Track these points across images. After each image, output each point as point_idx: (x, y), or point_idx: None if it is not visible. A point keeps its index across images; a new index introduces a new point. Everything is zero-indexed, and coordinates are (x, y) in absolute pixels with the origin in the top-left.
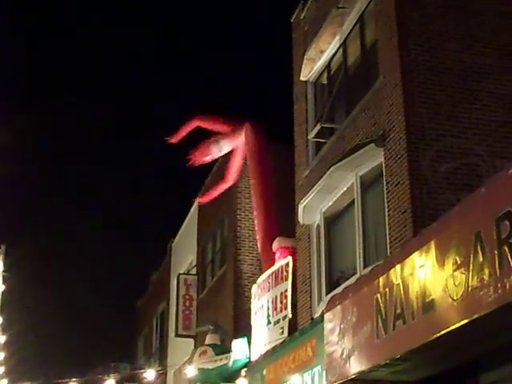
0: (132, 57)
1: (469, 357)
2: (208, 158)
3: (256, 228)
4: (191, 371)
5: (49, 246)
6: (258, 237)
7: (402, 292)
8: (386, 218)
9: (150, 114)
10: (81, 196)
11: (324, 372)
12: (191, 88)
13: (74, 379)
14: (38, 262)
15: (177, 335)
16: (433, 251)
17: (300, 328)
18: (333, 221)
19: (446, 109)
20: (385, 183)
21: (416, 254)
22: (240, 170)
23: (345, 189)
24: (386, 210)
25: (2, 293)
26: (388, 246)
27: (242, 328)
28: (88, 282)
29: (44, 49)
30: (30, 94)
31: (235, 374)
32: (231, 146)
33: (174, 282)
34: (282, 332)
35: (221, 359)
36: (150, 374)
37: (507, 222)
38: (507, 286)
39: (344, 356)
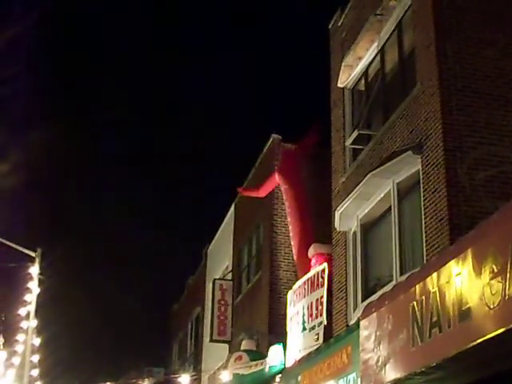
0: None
1: (505, 367)
2: (253, 194)
3: (291, 234)
4: (226, 376)
5: (85, 249)
6: (292, 243)
7: (438, 300)
8: (423, 225)
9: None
10: (119, 198)
11: (359, 379)
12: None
13: (108, 383)
14: (74, 265)
15: (211, 340)
16: (469, 259)
17: (335, 335)
18: (369, 228)
19: (484, 116)
20: (422, 190)
21: (452, 262)
22: (273, 188)
23: (381, 196)
24: (423, 217)
25: (38, 296)
26: (425, 254)
27: (278, 334)
28: (124, 285)
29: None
30: (57, 93)
31: (270, 380)
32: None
33: (209, 287)
34: (317, 339)
35: (256, 365)
36: (184, 378)
37: None
38: None
39: (379, 363)
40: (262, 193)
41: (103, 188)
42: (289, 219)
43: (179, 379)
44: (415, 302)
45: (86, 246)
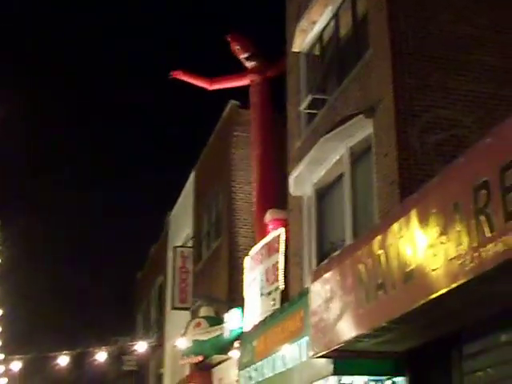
0: None
1: (452, 327)
2: (190, 81)
3: (253, 200)
4: (182, 343)
5: (45, 221)
6: (253, 209)
7: (383, 262)
8: (375, 189)
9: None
10: (79, 171)
11: (310, 343)
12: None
13: (65, 352)
14: (34, 237)
15: (173, 308)
16: (413, 222)
17: (291, 299)
18: (323, 192)
19: (436, 80)
20: (374, 154)
21: (397, 225)
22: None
23: (335, 160)
24: (375, 181)
25: None
26: (376, 218)
27: (237, 300)
28: (86, 255)
29: None
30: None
31: (229, 345)
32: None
33: (170, 255)
34: (274, 303)
35: (215, 330)
36: (141, 346)
37: (484, 192)
38: (483, 256)
39: (328, 327)
40: (212, 86)
41: (61, 160)
42: (253, 185)
43: (136, 347)
44: (361, 265)
45: (46, 218)
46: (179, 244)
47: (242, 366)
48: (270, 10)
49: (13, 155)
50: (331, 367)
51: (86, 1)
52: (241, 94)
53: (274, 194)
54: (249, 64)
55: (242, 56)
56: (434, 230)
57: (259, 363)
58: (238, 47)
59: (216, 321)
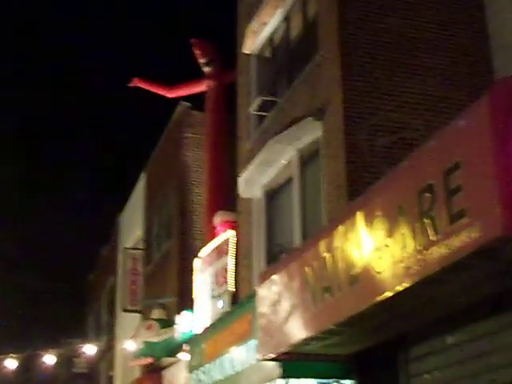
0: None
1: (398, 330)
2: (150, 89)
3: (204, 203)
4: (131, 345)
5: None
6: (204, 211)
7: (329, 265)
8: (324, 191)
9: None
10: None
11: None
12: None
13: (12, 355)
14: None
15: (124, 310)
16: (358, 224)
17: (240, 302)
18: (273, 194)
19: (384, 83)
20: (322, 157)
21: (342, 227)
22: (184, 96)
23: (284, 162)
24: (324, 183)
25: None
26: (325, 220)
27: (188, 302)
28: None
29: None
30: None
31: (179, 347)
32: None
33: (121, 257)
34: (224, 306)
35: (166, 333)
36: (91, 348)
37: (428, 195)
38: (428, 259)
39: (276, 329)
40: (171, 94)
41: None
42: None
43: (84, 349)
44: (308, 267)
45: None
46: (130, 246)
47: (191, 368)
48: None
49: None
50: (279, 370)
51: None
52: (193, 95)
53: (225, 197)
54: (206, 69)
55: (201, 61)
56: (379, 233)
57: (208, 366)
58: (199, 52)
59: (167, 323)
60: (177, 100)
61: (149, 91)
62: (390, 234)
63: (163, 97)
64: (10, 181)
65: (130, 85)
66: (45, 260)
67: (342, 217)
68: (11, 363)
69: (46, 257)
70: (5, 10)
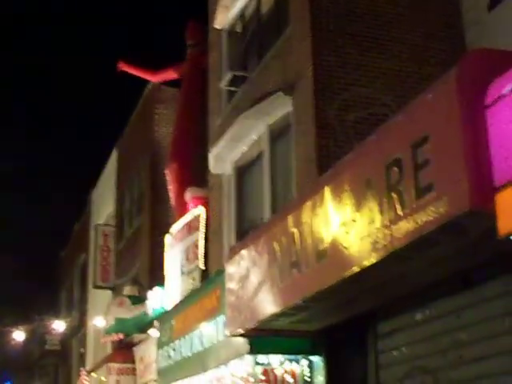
0: None
1: (366, 306)
2: (136, 74)
3: (169, 177)
4: (102, 322)
5: None
6: (170, 186)
7: (297, 240)
8: (294, 167)
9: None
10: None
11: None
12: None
13: None
14: None
15: (95, 287)
16: (326, 199)
17: (209, 278)
18: (243, 170)
19: (355, 58)
20: (293, 132)
21: (310, 202)
22: (163, 81)
23: (254, 138)
24: (294, 159)
25: None
26: (295, 196)
27: (159, 279)
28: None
29: None
30: None
31: (150, 323)
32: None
33: (92, 234)
34: (194, 282)
35: (137, 309)
36: (62, 325)
37: (396, 169)
38: (395, 234)
39: (244, 305)
40: (156, 78)
41: None
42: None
43: (53, 325)
44: (276, 243)
45: None
46: (101, 222)
47: (160, 344)
48: None
49: None
50: (247, 346)
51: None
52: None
53: (193, 172)
54: (188, 51)
55: (187, 43)
56: (346, 208)
57: (177, 342)
58: (188, 34)
59: (139, 299)
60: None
61: (134, 75)
62: (358, 208)
63: (148, 81)
64: None
65: (117, 69)
66: (16, 236)
67: (310, 192)
68: None
69: (18, 233)
70: None
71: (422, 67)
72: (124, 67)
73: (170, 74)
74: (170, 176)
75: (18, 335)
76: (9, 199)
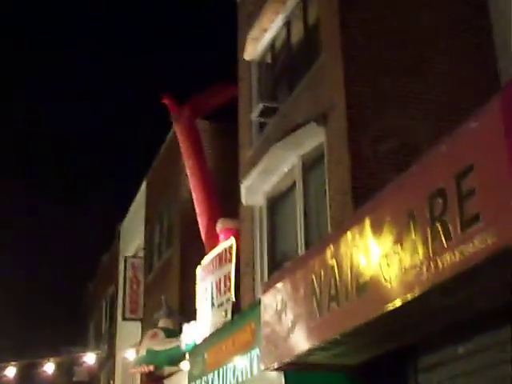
0: None
1: (407, 340)
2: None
3: (197, 210)
4: (132, 354)
5: None
6: (199, 219)
7: (336, 272)
8: (328, 198)
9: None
10: (28, 180)
11: (261, 356)
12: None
13: (12, 363)
14: None
15: (124, 319)
16: (366, 231)
17: (242, 311)
18: (276, 202)
19: (389, 87)
20: (326, 163)
21: (350, 234)
22: None
23: (286, 169)
24: (328, 190)
25: None
26: (329, 228)
27: (189, 312)
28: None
29: None
30: None
31: (181, 357)
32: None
33: (121, 265)
34: (226, 315)
35: (171, 342)
36: (91, 357)
37: (440, 200)
38: (440, 266)
39: (280, 339)
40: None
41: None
42: (194, 195)
43: (84, 358)
44: (314, 275)
45: None
46: (130, 254)
47: (192, 378)
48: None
49: None
50: (282, 381)
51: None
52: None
53: (221, 204)
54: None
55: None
56: (388, 239)
57: (210, 376)
58: (171, 111)
59: (173, 333)
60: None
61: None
62: (400, 240)
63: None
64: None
65: (162, 101)
66: (46, 268)
67: (350, 223)
68: (11, 371)
69: (47, 265)
70: None
71: (454, 94)
72: (167, 101)
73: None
74: (198, 209)
75: (48, 367)
76: (38, 232)
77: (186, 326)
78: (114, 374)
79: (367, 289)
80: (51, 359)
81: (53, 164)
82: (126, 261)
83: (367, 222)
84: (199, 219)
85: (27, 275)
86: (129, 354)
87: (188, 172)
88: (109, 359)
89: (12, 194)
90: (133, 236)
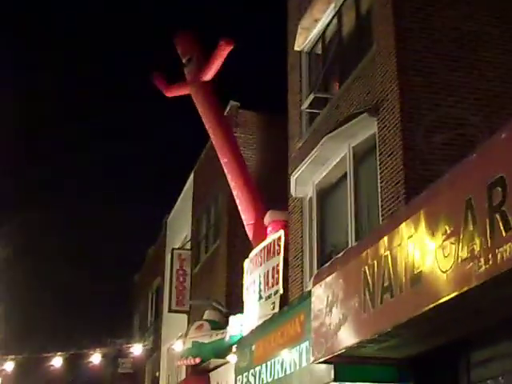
0: None
1: (460, 334)
2: (158, 85)
3: (240, 207)
4: (178, 346)
5: (42, 221)
6: (242, 215)
7: (389, 264)
8: (379, 190)
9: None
10: (78, 172)
11: (311, 348)
12: None
13: (59, 353)
14: (30, 237)
15: (170, 311)
16: (422, 221)
17: (290, 303)
18: (325, 193)
19: (442, 78)
20: (378, 154)
21: (404, 225)
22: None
23: (337, 160)
24: (379, 181)
25: None
26: (380, 219)
27: (236, 303)
28: (83, 255)
29: None
30: None
31: (228, 349)
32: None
33: (168, 257)
34: (273, 307)
35: (217, 334)
36: (136, 348)
37: (499, 189)
38: (498, 257)
39: (330, 331)
40: (169, 93)
41: (58, 159)
42: (234, 192)
43: (131, 349)
44: (366, 267)
45: (43, 218)
46: (177, 246)
47: (239, 370)
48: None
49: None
50: (332, 373)
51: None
52: (241, 93)
53: (263, 196)
54: (186, 70)
55: (183, 60)
56: (444, 230)
57: (257, 368)
58: (180, 51)
59: (219, 325)
60: (225, 99)
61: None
62: (457, 231)
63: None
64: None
65: (153, 81)
66: (92, 260)
67: (404, 214)
68: (57, 361)
69: (94, 257)
70: None
71: (508, 86)
72: (157, 80)
73: (182, 90)
74: (241, 205)
75: (95, 358)
76: (86, 224)
77: (232, 319)
78: (159, 365)
79: (422, 280)
80: (97, 350)
81: (102, 155)
82: (173, 253)
83: (422, 213)
84: (242, 215)
85: (75, 268)
86: (175, 346)
87: (225, 169)
88: (154, 351)
89: (61, 183)
90: (180, 228)
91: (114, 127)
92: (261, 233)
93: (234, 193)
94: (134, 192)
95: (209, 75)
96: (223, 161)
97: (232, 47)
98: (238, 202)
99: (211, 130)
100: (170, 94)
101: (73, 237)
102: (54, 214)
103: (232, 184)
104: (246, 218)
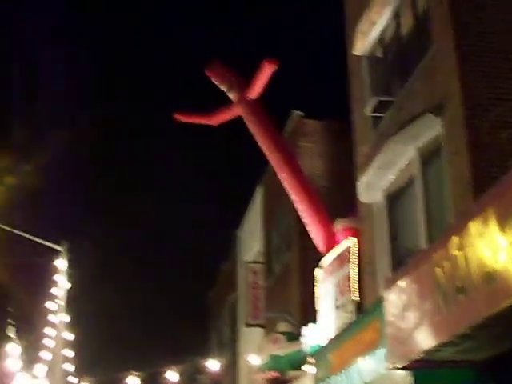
0: None
1: None
2: (193, 121)
3: (306, 220)
4: (255, 359)
5: (113, 242)
6: (309, 228)
7: (462, 264)
8: (448, 190)
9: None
10: (147, 190)
11: (387, 354)
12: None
13: (134, 372)
14: (103, 259)
15: (246, 325)
16: (492, 219)
17: (365, 310)
18: (395, 197)
19: (504, 71)
20: (445, 154)
21: (474, 223)
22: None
23: (404, 163)
24: (448, 182)
25: (68, 291)
26: (452, 220)
27: (311, 314)
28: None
29: None
30: None
31: (304, 360)
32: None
33: (241, 271)
34: (350, 316)
35: (292, 346)
36: (214, 364)
37: None
38: None
39: (406, 336)
40: (216, 121)
41: (128, 177)
42: (297, 205)
43: (208, 365)
44: (438, 269)
45: (114, 239)
46: (250, 260)
47: (317, 381)
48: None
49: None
50: (410, 379)
51: None
52: (301, 103)
53: (324, 205)
54: (231, 96)
55: (223, 89)
56: None
57: (335, 377)
58: (217, 82)
59: (293, 336)
60: (287, 110)
61: (194, 123)
62: None
63: (210, 126)
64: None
65: (175, 120)
66: (166, 278)
67: (473, 213)
68: (134, 381)
69: (168, 275)
70: None
71: None
72: (180, 117)
73: (229, 113)
74: (307, 219)
75: (172, 376)
76: (158, 243)
77: (305, 329)
78: (237, 380)
79: (496, 278)
80: (174, 368)
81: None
82: (245, 266)
83: (492, 211)
84: (309, 228)
85: (149, 287)
86: (252, 360)
87: (285, 183)
88: (232, 366)
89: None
90: (251, 241)
91: (177, 142)
92: (330, 242)
93: (297, 205)
94: (205, 207)
95: (254, 94)
96: (281, 175)
97: (275, 68)
98: (302, 214)
99: (265, 147)
100: (216, 122)
101: (152, 257)
102: (123, 235)
103: (292, 197)
104: (313, 229)
